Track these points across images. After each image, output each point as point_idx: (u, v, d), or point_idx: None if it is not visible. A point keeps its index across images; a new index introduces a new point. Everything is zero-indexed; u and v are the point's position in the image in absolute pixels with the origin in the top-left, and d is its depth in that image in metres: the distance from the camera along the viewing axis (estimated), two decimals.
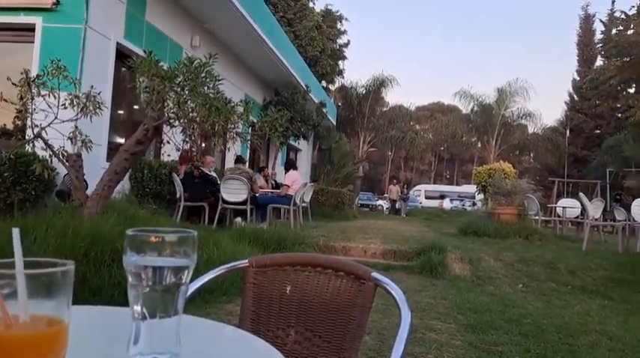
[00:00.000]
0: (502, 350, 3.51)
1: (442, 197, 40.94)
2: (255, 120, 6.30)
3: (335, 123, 22.76)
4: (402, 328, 1.37)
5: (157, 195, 8.25)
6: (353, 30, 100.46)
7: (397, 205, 25.14)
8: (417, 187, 46.03)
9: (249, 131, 6.39)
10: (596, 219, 9.99)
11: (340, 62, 28.84)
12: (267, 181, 11.67)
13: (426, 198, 41.21)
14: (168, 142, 5.23)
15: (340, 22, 28.59)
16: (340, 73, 28.57)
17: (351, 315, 1.50)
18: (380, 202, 36.30)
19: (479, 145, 37.35)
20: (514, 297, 5.48)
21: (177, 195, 8.26)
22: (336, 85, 29.05)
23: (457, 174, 67.65)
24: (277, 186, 11.41)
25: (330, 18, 27.67)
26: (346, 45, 29.15)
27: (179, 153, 6.42)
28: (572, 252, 8.02)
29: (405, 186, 24.64)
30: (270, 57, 12.93)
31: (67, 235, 3.94)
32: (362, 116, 27.02)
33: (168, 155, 8.55)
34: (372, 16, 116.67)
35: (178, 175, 8.33)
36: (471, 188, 24.05)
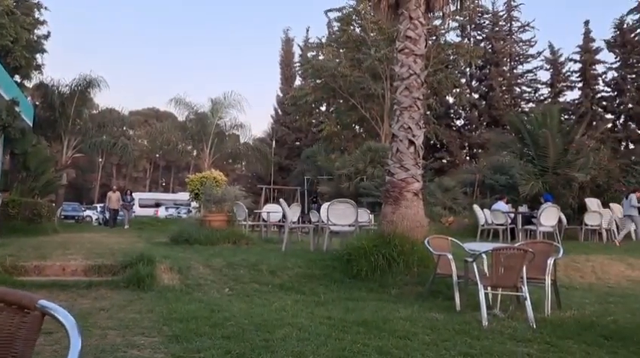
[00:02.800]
0: (204, 355, 3.59)
1: (157, 205, 40.10)
2: None
3: (32, 125, 19.97)
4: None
5: None
6: (59, 23, 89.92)
7: (110, 215, 22.45)
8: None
9: None
10: (294, 222, 11.19)
11: (39, 56, 25.50)
12: None
13: (140, 206, 39.60)
14: None
15: (39, 10, 25.30)
16: (39, 68, 25.25)
17: (11, 351, 1.32)
18: (88, 213, 33.45)
19: (194, 153, 37.98)
20: (220, 302, 5.69)
21: None
22: (34, 82, 25.56)
23: (174, 182, 67.24)
24: None
25: (26, 5, 24.22)
26: (46, 37, 25.94)
27: None
28: (273, 253, 8.76)
29: (129, 194, 22.40)
30: None
31: None
32: (66, 118, 24.39)
33: None
34: (82, 11, 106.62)
35: None
36: (186, 195, 24.18)
